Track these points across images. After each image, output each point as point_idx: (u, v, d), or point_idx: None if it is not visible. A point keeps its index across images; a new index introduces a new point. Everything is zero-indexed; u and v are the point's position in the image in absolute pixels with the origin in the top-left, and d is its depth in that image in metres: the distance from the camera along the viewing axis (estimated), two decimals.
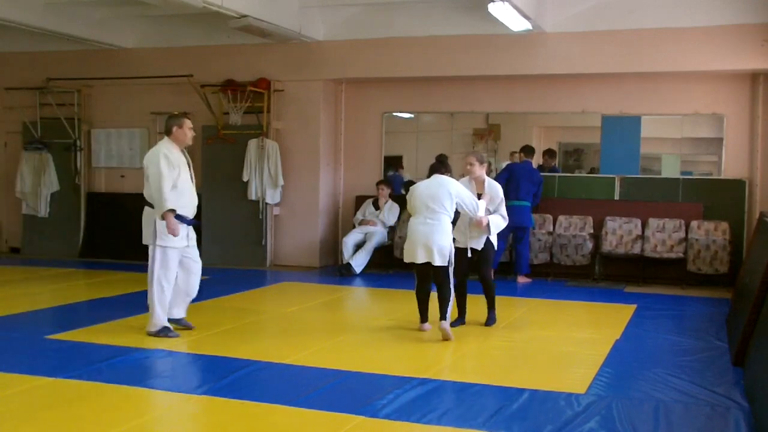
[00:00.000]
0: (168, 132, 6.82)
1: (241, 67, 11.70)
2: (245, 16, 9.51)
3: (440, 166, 7.15)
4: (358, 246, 10.98)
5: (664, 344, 7.01)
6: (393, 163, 12.14)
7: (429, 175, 7.14)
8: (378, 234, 11.00)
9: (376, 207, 11.31)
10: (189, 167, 6.89)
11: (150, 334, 6.82)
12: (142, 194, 13.21)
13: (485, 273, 7.45)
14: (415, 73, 11.19)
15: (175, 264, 6.83)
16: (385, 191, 11.29)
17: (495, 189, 7.44)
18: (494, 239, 7.40)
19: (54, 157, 12.62)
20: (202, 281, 10.55)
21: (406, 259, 7.14)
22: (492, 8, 9.08)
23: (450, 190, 6.94)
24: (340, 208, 12.20)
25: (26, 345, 6.65)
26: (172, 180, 6.61)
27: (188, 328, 7.05)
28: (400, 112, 12.08)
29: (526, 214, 10.26)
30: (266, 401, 5.03)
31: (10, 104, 12.77)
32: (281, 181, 11.58)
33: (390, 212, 11.24)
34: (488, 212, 7.32)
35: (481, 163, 7.47)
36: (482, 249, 7.35)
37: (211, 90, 11.74)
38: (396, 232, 11.06)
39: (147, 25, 12.05)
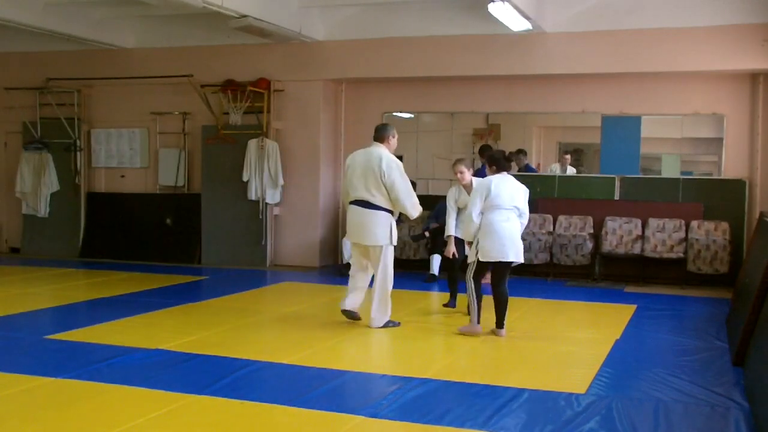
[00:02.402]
0: (384, 139, 7.30)
1: (241, 67, 11.70)
2: (245, 16, 9.51)
3: (508, 165, 7.24)
4: None
5: (664, 344, 7.02)
6: None
7: (497, 172, 7.13)
8: None
9: None
10: None
11: (376, 327, 7.21)
12: (142, 194, 13.27)
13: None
14: (415, 73, 11.19)
15: None
16: None
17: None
18: None
19: (54, 157, 12.62)
20: (201, 281, 10.63)
21: (490, 258, 6.93)
22: (492, 8, 9.08)
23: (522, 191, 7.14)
24: (340, 208, 12.18)
25: (26, 345, 6.65)
26: None
27: (357, 318, 7.47)
28: (400, 112, 12.08)
29: None
30: (266, 401, 5.02)
31: (10, 104, 12.77)
32: (281, 181, 11.58)
33: None
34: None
35: (469, 168, 7.89)
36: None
37: (211, 90, 11.74)
38: None
39: (147, 25, 12.05)
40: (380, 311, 7.26)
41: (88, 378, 5.50)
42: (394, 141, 7.35)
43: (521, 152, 11.32)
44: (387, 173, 7.04)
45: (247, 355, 6.18)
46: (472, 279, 6.99)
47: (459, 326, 7.24)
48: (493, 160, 7.22)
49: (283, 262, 11.85)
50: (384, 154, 7.17)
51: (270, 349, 6.49)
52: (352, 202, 7.26)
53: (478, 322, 7.00)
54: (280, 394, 5.18)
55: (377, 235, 7.14)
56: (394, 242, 7.27)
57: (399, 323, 7.38)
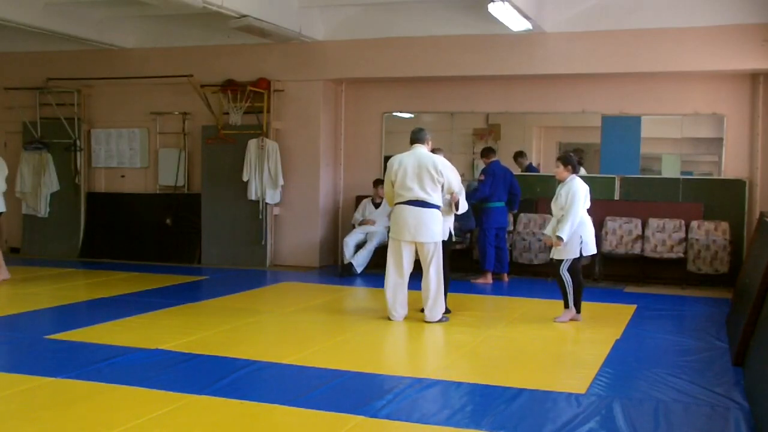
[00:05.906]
0: (425, 141, 7.73)
1: (241, 67, 11.70)
2: (245, 16, 9.51)
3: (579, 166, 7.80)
4: (359, 246, 10.96)
5: (664, 344, 7.02)
6: None
7: (572, 172, 7.69)
8: (378, 234, 10.99)
9: (377, 207, 11.28)
10: None
11: (431, 321, 7.51)
12: (142, 194, 13.27)
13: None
14: (415, 73, 11.19)
15: None
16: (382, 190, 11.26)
17: None
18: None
19: (54, 157, 12.61)
20: (201, 281, 10.63)
21: (592, 251, 7.92)
22: (492, 8, 9.08)
23: None
24: (340, 208, 12.20)
25: (26, 345, 6.65)
26: None
27: None
28: (400, 112, 12.08)
29: (505, 214, 10.54)
30: (266, 401, 5.03)
31: (10, 104, 12.76)
32: (281, 181, 11.58)
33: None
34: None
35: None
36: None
37: (211, 90, 11.74)
38: None
39: (147, 25, 12.05)
40: (436, 306, 7.54)
41: (88, 378, 5.50)
42: (430, 144, 7.80)
43: (521, 154, 11.32)
44: (443, 173, 7.45)
45: (247, 355, 6.18)
46: (568, 273, 7.66)
47: (555, 317, 7.74)
48: (570, 162, 7.74)
49: (283, 262, 11.85)
50: (433, 155, 7.59)
51: (270, 349, 6.49)
52: (404, 203, 7.47)
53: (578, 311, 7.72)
54: (280, 394, 5.18)
55: (435, 232, 7.49)
56: (445, 237, 7.72)
57: (448, 318, 7.67)
